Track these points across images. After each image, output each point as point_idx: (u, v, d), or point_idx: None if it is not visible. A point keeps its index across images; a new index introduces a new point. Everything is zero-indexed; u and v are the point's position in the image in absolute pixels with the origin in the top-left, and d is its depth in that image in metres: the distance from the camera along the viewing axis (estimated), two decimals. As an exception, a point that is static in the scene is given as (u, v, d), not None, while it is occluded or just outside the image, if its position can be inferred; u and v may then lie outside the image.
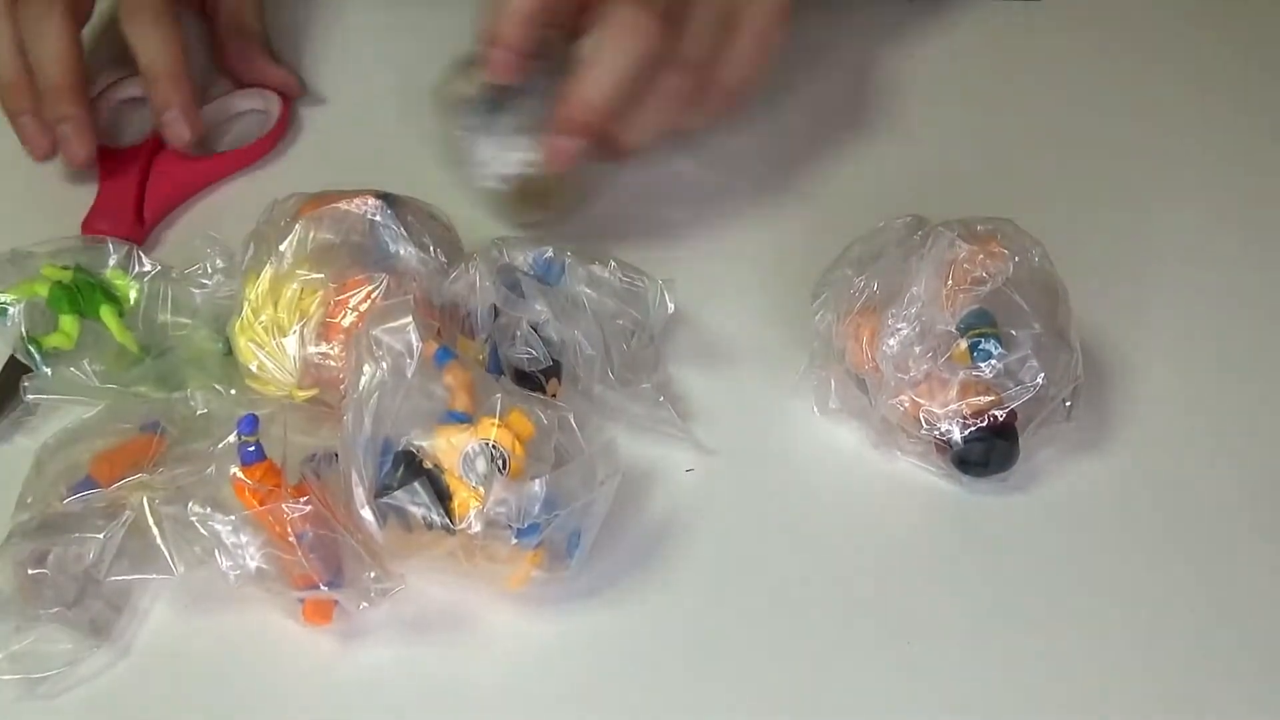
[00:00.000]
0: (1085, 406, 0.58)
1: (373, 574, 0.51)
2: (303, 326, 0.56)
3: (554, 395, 0.57)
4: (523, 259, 0.59)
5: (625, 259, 0.61)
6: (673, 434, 0.59)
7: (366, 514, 0.50)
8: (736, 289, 0.65)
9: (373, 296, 0.56)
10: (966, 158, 0.73)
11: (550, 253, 0.59)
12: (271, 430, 0.53)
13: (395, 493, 0.50)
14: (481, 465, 0.50)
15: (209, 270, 0.61)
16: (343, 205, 0.59)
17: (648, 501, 0.57)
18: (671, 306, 0.59)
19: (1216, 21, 0.82)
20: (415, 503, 0.50)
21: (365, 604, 0.51)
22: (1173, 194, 0.71)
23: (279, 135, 0.73)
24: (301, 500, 0.51)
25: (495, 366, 0.57)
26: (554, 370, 0.58)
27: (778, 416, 0.61)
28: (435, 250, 0.59)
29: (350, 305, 0.56)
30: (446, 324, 0.57)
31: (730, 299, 0.65)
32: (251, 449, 0.51)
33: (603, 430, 0.57)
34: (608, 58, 0.58)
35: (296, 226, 0.58)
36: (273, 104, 0.74)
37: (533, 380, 0.57)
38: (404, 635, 0.53)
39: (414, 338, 0.52)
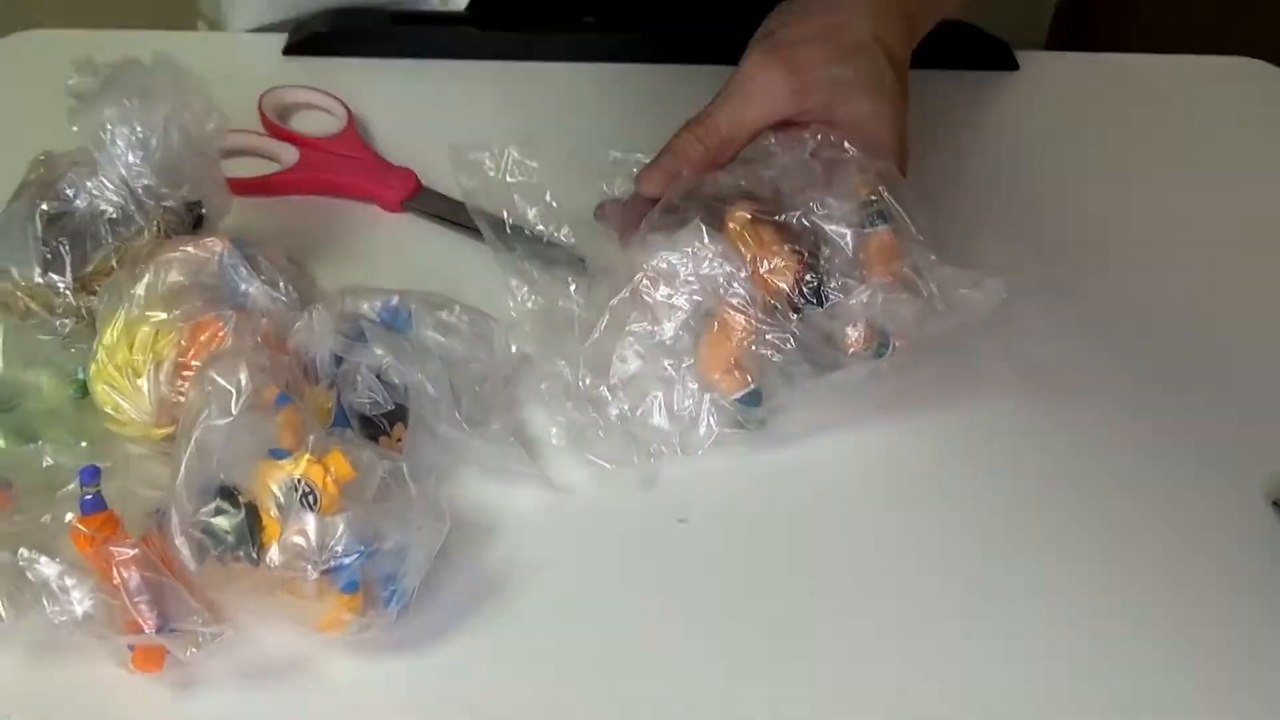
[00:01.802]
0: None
1: (200, 619, 0.50)
2: (156, 367, 0.57)
3: (399, 439, 0.57)
4: (368, 307, 0.59)
5: (480, 307, 0.60)
6: (523, 472, 0.58)
7: (180, 543, 0.50)
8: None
9: (221, 334, 0.57)
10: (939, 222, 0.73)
11: (396, 300, 0.59)
12: (115, 482, 0.52)
13: (207, 522, 0.50)
14: (288, 499, 0.49)
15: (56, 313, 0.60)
16: (191, 249, 0.59)
17: (496, 542, 0.57)
18: (514, 349, 0.59)
19: (1182, 90, 0.83)
20: (224, 533, 0.50)
21: (194, 649, 0.50)
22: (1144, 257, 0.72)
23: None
24: (127, 543, 0.50)
25: (341, 412, 0.57)
26: (399, 414, 0.57)
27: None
28: (286, 287, 0.60)
29: (202, 342, 0.57)
30: (297, 365, 0.58)
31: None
32: (89, 498, 0.51)
33: (442, 484, 0.56)
34: None
35: (148, 270, 0.59)
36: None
37: (376, 425, 0.57)
38: (239, 684, 0.52)
39: (243, 377, 0.52)
